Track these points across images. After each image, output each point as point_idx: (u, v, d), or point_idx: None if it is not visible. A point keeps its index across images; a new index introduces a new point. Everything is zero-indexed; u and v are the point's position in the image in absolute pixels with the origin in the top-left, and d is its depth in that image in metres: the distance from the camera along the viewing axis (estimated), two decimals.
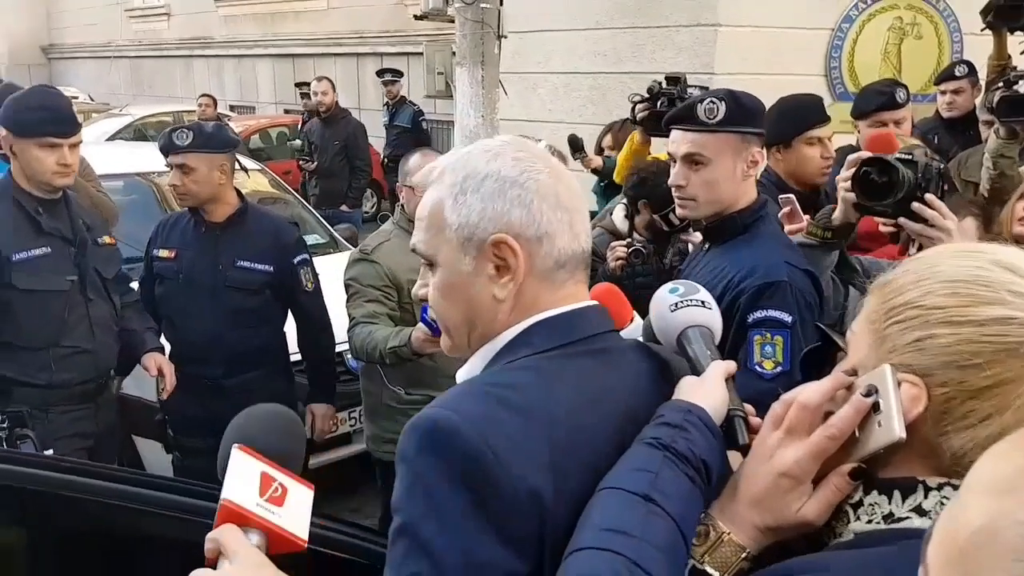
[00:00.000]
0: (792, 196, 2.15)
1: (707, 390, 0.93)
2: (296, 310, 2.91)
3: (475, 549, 0.80)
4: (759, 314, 1.65)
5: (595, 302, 1.01)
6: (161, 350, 2.74)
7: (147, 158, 5.20)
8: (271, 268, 2.79)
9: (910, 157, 1.65)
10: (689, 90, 2.91)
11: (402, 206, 2.70)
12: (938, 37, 5.55)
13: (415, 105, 7.96)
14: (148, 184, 4.98)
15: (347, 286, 2.62)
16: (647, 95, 2.88)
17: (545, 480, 0.82)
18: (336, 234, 4.95)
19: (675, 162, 1.82)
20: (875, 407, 0.74)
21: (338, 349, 3.38)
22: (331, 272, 3.79)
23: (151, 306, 2.86)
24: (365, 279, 2.57)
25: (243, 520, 0.85)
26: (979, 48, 3.89)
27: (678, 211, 1.90)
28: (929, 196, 1.59)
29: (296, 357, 3.02)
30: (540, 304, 0.96)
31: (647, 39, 5.59)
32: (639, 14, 5.65)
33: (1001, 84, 2.59)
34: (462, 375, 1.01)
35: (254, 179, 5.04)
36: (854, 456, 0.78)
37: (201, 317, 2.75)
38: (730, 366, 0.98)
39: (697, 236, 2.37)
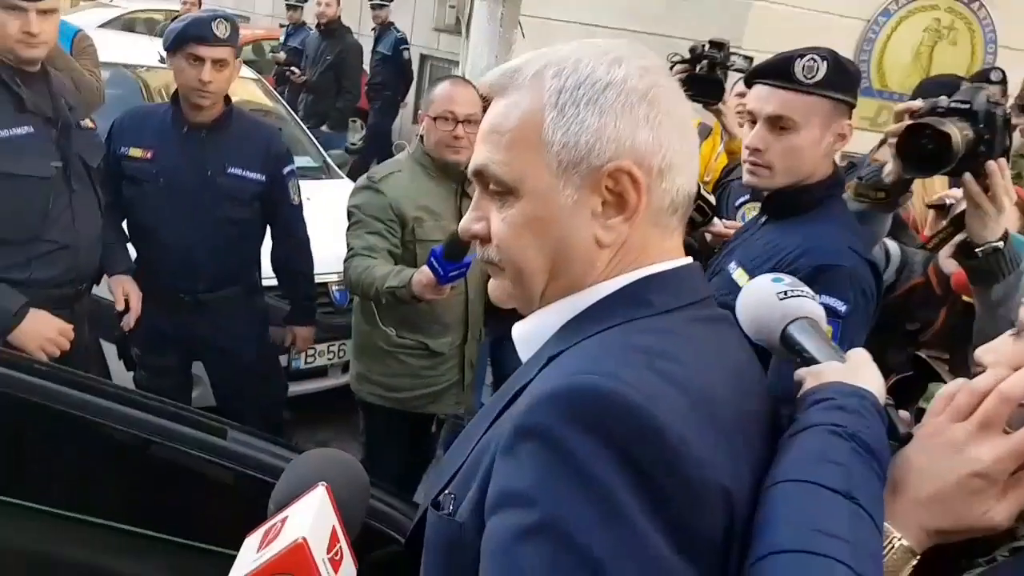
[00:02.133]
0: None
1: (869, 375, 0.80)
2: (278, 225, 2.71)
3: (653, 559, 0.62)
4: None
5: (690, 258, 0.84)
6: (131, 271, 2.53)
7: (134, 50, 4.94)
8: (263, 178, 2.58)
9: (967, 106, 1.47)
10: (732, 58, 2.78)
11: (421, 138, 2.47)
12: (972, 45, 5.44)
13: (399, 32, 7.56)
14: (135, 78, 4.70)
15: (350, 213, 2.44)
16: (688, 56, 2.72)
17: (728, 472, 0.67)
18: (329, 159, 4.72)
19: (753, 122, 1.63)
20: None
21: (323, 280, 3.23)
22: (321, 198, 3.61)
23: (116, 211, 2.61)
24: (369, 209, 2.38)
25: (302, 569, 0.69)
26: (1010, 63, 3.81)
27: (745, 178, 1.71)
28: (1002, 161, 1.44)
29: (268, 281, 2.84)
30: (648, 255, 0.79)
31: (678, 3, 5.38)
32: None
33: None
34: (525, 332, 0.83)
35: (247, 88, 4.78)
36: None
37: (184, 226, 2.49)
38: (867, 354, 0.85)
39: (718, 225, 2.21)
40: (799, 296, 0.93)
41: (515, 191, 0.78)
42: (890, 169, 1.67)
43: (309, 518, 0.70)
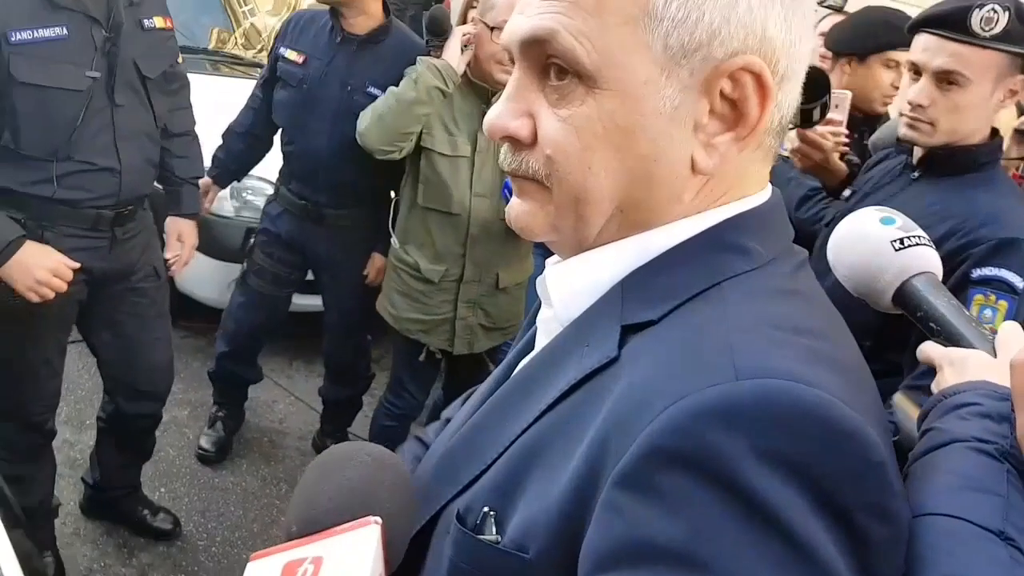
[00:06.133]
0: (849, 93, 1.98)
1: None
2: None
3: None
4: (988, 271, 1.43)
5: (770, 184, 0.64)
6: (196, 215, 2.34)
7: None
8: None
9: None
10: None
11: (463, 46, 2.20)
12: None
13: None
14: None
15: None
16: None
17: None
18: None
19: (917, 74, 1.54)
20: None
21: None
22: None
23: (265, 113, 2.58)
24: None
25: None
26: None
27: (903, 132, 1.57)
28: None
29: None
30: (744, 185, 0.59)
31: None
32: None
33: None
34: (571, 281, 0.60)
35: None
36: None
37: (317, 137, 2.45)
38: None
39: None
40: (919, 244, 0.74)
41: (592, 79, 0.54)
42: None
43: (370, 565, 0.51)
